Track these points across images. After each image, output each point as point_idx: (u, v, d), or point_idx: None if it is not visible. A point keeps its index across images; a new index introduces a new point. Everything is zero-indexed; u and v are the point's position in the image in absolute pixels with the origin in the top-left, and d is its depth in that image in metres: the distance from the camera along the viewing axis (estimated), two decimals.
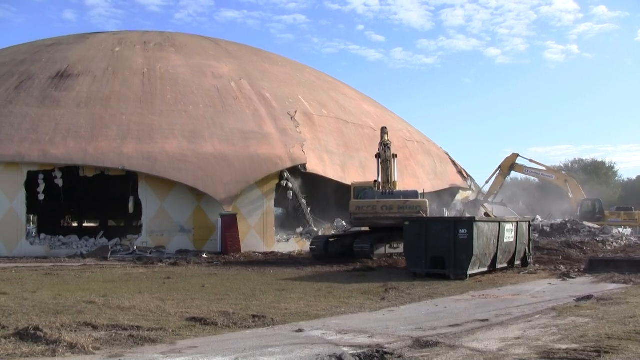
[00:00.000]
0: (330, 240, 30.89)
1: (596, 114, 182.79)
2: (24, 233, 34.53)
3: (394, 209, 28.59)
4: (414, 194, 29.83)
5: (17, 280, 21.03)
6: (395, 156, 31.22)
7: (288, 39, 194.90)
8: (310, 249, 30.74)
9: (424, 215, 27.78)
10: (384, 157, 30.70)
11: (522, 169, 53.74)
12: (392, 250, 30.08)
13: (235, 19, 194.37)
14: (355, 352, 9.49)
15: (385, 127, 32.47)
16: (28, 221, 38.97)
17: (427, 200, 29.43)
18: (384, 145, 30.85)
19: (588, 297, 15.47)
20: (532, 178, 61.84)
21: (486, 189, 53.01)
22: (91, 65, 40.92)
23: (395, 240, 30.08)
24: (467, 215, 42.95)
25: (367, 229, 31.15)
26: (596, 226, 46.84)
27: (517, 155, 52.87)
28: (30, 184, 34.25)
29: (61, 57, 42.36)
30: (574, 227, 45.80)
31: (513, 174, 56.35)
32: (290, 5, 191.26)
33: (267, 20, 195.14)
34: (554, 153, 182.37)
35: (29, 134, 34.76)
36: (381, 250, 29.71)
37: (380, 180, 30.75)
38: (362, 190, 30.71)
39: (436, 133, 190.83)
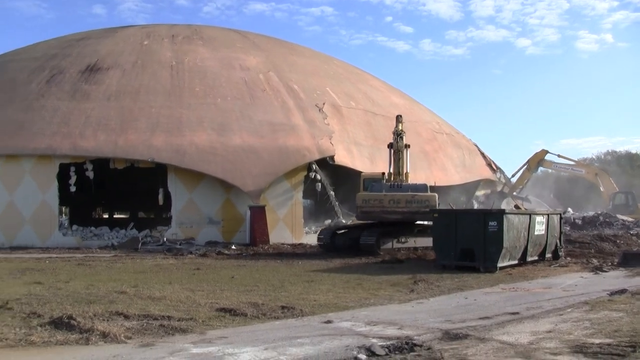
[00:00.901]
0: (338, 232, 30.35)
1: (630, 104, 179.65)
2: (57, 224, 34.99)
3: (402, 203, 27.83)
4: (423, 187, 29.01)
5: (51, 270, 21.33)
6: (407, 146, 30.36)
7: (316, 31, 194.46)
8: (318, 240, 30.49)
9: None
10: (396, 147, 29.97)
11: (550, 164, 53.22)
12: (399, 245, 29.12)
13: (263, 11, 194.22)
14: (384, 343, 9.48)
15: (400, 116, 31.91)
16: (60, 213, 39.35)
17: (436, 195, 28.48)
18: (397, 135, 30.15)
19: (622, 291, 15.22)
20: (563, 172, 61.21)
21: (513, 181, 52.64)
22: (120, 59, 41.21)
23: (404, 235, 29.38)
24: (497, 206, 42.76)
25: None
26: (630, 219, 46.18)
27: (547, 151, 52.36)
28: (62, 176, 34.62)
29: (91, 51, 42.71)
30: (607, 220, 45.25)
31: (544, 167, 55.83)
32: None
33: (295, 13, 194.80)
34: (585, 145, 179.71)
35: (60, 127, 35.16)
36: (388, 245, 28.71)
37: (392, 171, 30.00)
38: (370, 183, 30.00)
39: (465, 125, 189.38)
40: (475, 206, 46.27)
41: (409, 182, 30.03)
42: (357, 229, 29.73)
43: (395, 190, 28.51)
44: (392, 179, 29.62)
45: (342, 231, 30.60)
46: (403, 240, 29.19)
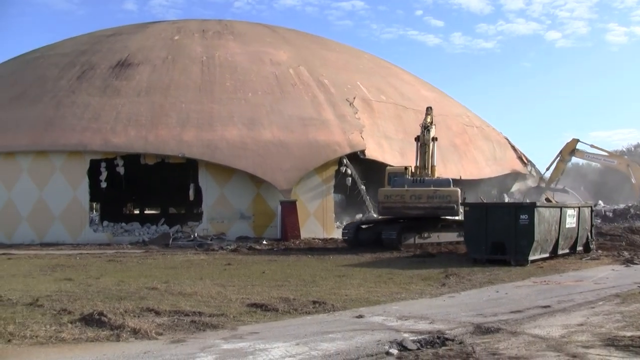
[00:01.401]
0: (363, 227, 30.11)
1: None
2: (88, 220, 35.27)
3: (423, 198, 27.35)
4: (446, 182, 28.48)
5: (82, 266, 21.50)
6: (435, 139, 30.01)
7: (347, 25, 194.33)
8: (342, 235, 30.29)
9: (455, 207, 27.08)
10: (422, 140, 29.50)
11: (582, 154, 52.75)
12: (421, 240, 28.55)
13: (294, 6, 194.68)
14: (416, 338, 9.46)
15: (430, 108, 31.75)
16: (91, 209, 39.65)
17: (458, 190, 27.94)
18: (424, 128, 29.73)
19: None
20: (594, 163, 60.70)
21: (547, 175, 52.23)
22: (151, 54, 41.43)
23: (426, 230, 28.87)
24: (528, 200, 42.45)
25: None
26: None
27: (578, 140, 51.87)
28: (93, 172, 34.88)
29: (121, 46, 42.99)
30: (638, 212, 44.88)
31: (574, 159, 55.38)
32: None
33: (326, 7, 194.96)
34: (615, 137, 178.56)
35: (91, 123, 35.40)
36: (410, 240, 28.19)
37: (418, 165, 29.62)
38: (393, 177, 29.64)
39: (496, 118, 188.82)
40: (507, 199, 46.02)
41: (437, 176, 29.76)
42: (382, 224, 29.48)
43: (418, 185, 28.13)
44: (418, 173, 29.30)
45: (367, 226, 30.37)
46: (426, 235, 28.73)
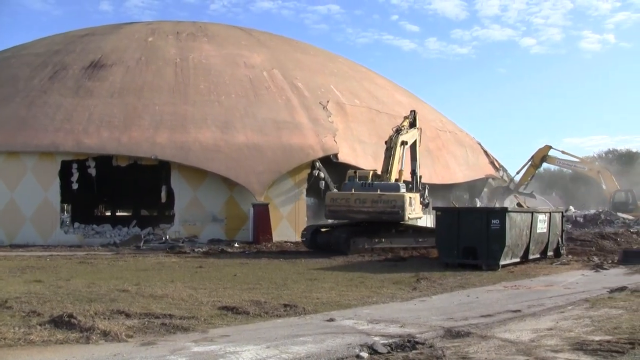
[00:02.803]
0: (322, 230, 29.72)
1: (632, 104, 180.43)
2: (59, 222, 34.91)
3: (368, 202, 27.08)
4: (395, 187, 27.98)
5: (52, 268, 21.33)
6: (405, 143, 29.73)
7: (322, 29, 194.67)
8: (301, 237, 30.05)
9: (399, 212, 26.76)
10: (389, 143, 29.28)
11: (554, 160, 53.41)
12: (373, 245, 27.92)
13: (269, 9, 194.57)
14: (386, 341, 9.50)
15: (414, 111, 31.83)
16: (62, 210, 39.27)
17: (404, 195, 27.36)
18: (396, 131, 29.58)
19: (622, 289, 15.31)
20: (565, 169, 61.34)
21: (517, 178, 52.73)
22: (124, 56, 41.16)
23: (379, 235, 28.33)
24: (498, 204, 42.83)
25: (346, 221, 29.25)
26: (630, 217, 46.43)
27: (550, 147, 52.51)
28: (64, 173, 34.60)
29: (95, 47, 42.65)
30: (608, 218, 45.47)
31: (546, 165, 55.96)
32: None
33: (302, 11, 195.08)
34: (589, 143, 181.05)
35: (63, 124, 35.09)
36: (360, 245, 27.61)
37: (382, 169, 29.27)
38: (349, 180, 29.40)
39: (470, 123, 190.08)
40: (479, 204, 46.34)
41: (402, 180, 29.40)
42: (338, 228, 29.21)
43: (366, 189, 27.90)
44: (386, 177, 28.87)
45: (325, 229, 29.94)
46: (377, 240, 28.24)
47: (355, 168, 35.27)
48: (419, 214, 29.58)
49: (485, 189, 50.57)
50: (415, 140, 31.66)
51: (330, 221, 30.16)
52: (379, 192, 27.34)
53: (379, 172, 29.55)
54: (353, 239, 27.57)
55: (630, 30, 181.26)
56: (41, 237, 33.65)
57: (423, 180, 32.27)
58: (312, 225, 30.83)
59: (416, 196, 29.17)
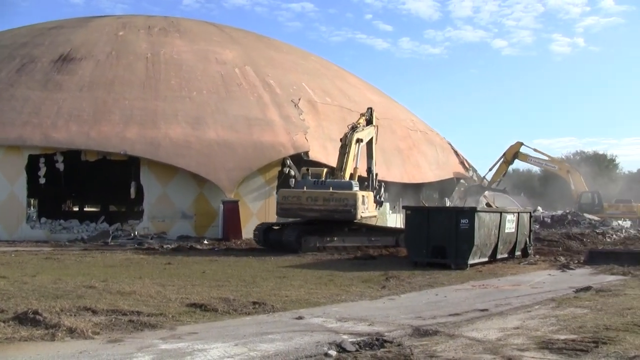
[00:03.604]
0: (275, 227, 29.30)
1: (600, 106, 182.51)
2: (25, 217, 34.57)
3: (319, 200, 26.79)
4: (348, 185, 27.78)
5: (17, 264, 21.06)
6: (360, 140, 29.58)
7: (296, 27, 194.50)
8: (253, 236, 29.83)
9: (352, 210, 26.58)
10: (344, 140, 29.16)
11: (526, 157, 53.80)
12: (323, 244, 27.55)
13: (243, 5, 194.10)
14: (355, 339, 9.49)
15: (371, 108, 31.79)
16: (29, 205, 38.89)
17: (357, 193, 27.17)
18: (351, 128, 29.43)
19: (587, 289, 15.46)
20: (535, 169, 61.98)
21: (489, 176, 53.04)
22: (94, 49, 40.78)
23: (331, 234, 27.91)
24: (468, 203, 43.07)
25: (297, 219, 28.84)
26: (596, 218, 47.03)
27: (522, 143, 52.88)
28: (32, 167, 34.22)
29: (64, 40, 42.20)
30: (575, 219, 45.96)
31: (516, 164, 56.40)
32: None
33: (276, 8, 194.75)
34: (557, 145, 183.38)
35: (31, 118, 34.70)
36: (311, 243, 27.22)
37: (336, 166, 29.10)
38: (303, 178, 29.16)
39: (441, 124, 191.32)
40: (448, 204, 46.59)
41: (356, 178, 29.33)
42: (290, 226, 28.72)
43: (318, 187, 27.69)
44: (340, 175, 28.69)
45: (278, 227, 29.41)
46: (328, 238, 27.89)
47: (326, 166, 35.33)
48: (372, 213, 29.49)
49: (457, 188, 50.87)
50: (372, 138, 31.51)
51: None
52: (331, 190, 27.14)
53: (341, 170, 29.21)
54: (304, 237, 27.23)
55: (599, 34, 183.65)
56: (7, 232, 33.28)
57: (389, 179, 32.22)
58: (265, 223, 30.45)
59: (370, 194, 29.03)
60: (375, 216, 30.63)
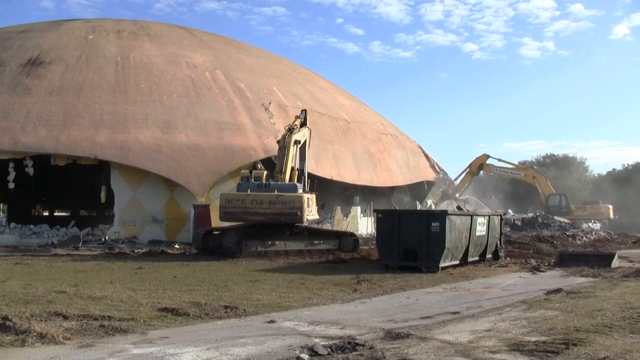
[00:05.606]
0: (215, 232, 28.76)
1: (570, 110, 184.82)
2: None
3: (265, 203, 26.40)
4: (292, 187, 27.52)
5: None
6: (297, 142, 29.18)
7: (267, 31, 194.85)
8: (192, 241, 29.43)
9: (298, 213, 26.32)
10: (282, 142, 28.76)
11: (490, 168, 54.68)
12: (265, 248, 26.92)
13: (214, 10, 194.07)
14: (326, 343, 9.51)
15: (305, 110, 31.71)
16: None
17: (302, 196, 26.90)
18: (288, 130, 29.09)
19: (557, 291, 15.62)
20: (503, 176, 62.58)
21: (456, 184, 53.69)
22: (64, 53, 40.49)
23: (272, 238, 27.28)
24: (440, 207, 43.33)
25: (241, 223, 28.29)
26: (566, 220, 47.52)
27: (488, 156, 53.94)
28: (1, 172, 33.86)
29: (33, 44, 41.84)
30: (545, 221, 46.36)
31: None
32: None
33: (247, 12, 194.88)
34: (527, 148, 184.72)
35: (0, 122, 34.34)
36: (252, 247, 26.62)
37: (276, 169, 28.68)
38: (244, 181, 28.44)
39: (412, 127, 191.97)
40: (419, 207, 46.85)
41: (294, 180, 28.90)
42: (232, 230, 28.19)
43: (262, 190, 27.20)
44: (280, 177, 28.26)
45: (218, 232, 28.86)
46: (270, 242, 27.24)
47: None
48: (315, 216, 29.33)
49: (431, 192, 51.26)
50: (305, 140, 31.34)
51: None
52: (276, 192, 26.84)
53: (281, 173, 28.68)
54: (245, 241, 26.68)
55: (568, 38, 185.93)
56: None
57: (359, 182, 32.05)
58: (204, 228, 29.93)
59: (313, 197, 28.79)
60: (317, 219, 30.48)
